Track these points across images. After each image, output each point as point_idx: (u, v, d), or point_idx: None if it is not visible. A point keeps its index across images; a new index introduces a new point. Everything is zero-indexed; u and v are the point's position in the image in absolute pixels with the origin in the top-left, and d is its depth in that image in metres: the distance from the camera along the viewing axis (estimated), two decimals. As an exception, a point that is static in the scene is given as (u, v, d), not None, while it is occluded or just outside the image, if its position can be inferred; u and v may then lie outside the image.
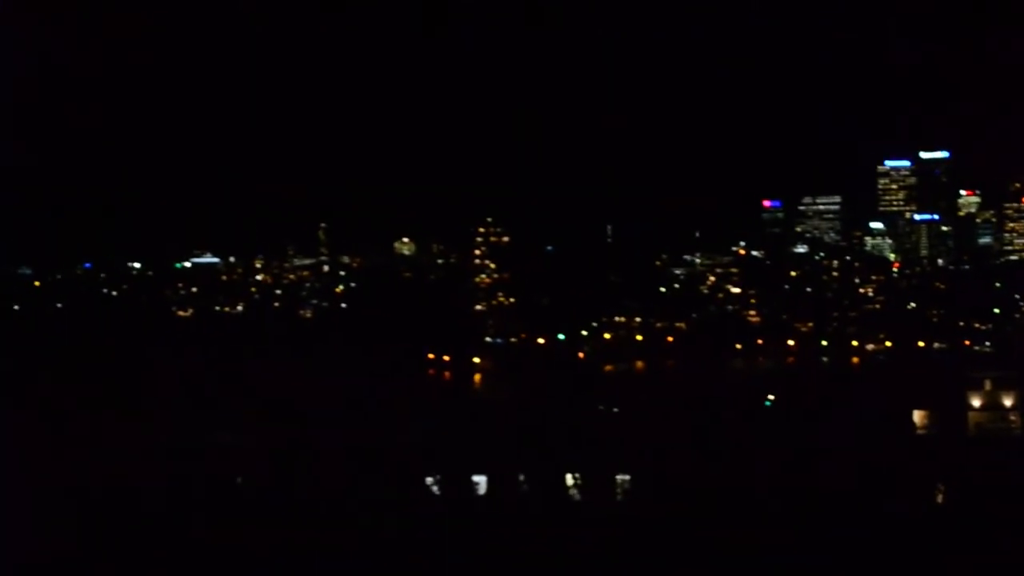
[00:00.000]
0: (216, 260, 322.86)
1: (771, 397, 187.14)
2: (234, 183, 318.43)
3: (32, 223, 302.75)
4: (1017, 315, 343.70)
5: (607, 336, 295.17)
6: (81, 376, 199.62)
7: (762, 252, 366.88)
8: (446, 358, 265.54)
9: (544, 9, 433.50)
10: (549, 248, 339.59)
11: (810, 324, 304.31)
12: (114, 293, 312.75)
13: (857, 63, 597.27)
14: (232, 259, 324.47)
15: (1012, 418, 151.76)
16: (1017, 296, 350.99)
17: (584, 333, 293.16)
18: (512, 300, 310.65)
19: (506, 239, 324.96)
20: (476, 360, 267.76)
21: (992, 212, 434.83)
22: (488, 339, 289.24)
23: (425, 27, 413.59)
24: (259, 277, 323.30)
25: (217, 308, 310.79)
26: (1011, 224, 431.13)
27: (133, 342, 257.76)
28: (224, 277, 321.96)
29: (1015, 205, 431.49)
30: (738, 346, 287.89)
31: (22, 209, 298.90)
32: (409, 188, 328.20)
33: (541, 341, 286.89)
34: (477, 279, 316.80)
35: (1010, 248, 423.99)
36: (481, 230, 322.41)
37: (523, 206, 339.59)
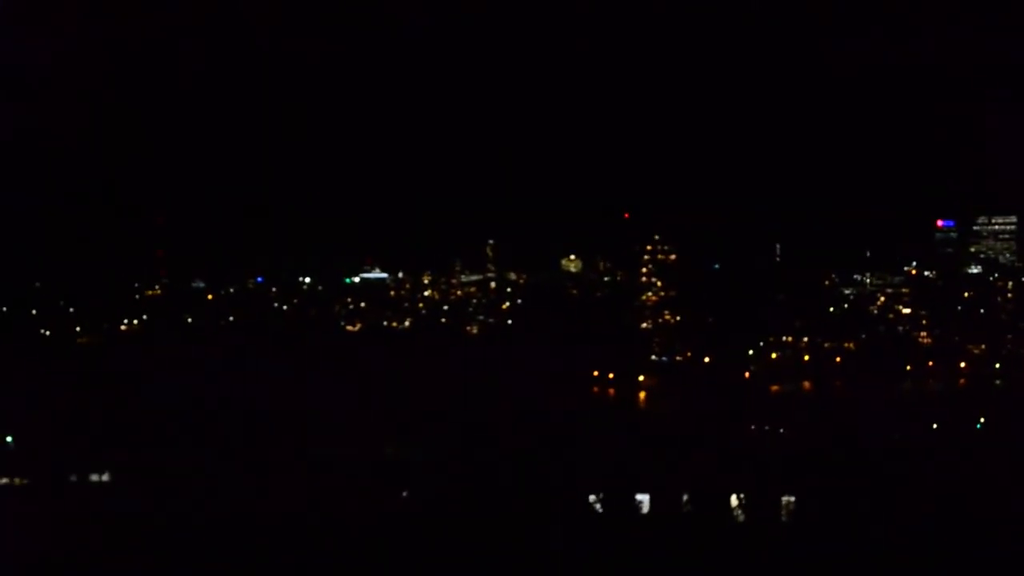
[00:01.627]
0: (385, 276, 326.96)
1: (982, 420, 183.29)
2: (403, 199, 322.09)
3: (205, 236, 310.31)
4: None
5: (774, 356, 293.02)
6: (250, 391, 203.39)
7: (934, 272, 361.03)
8: (611, 376, 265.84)
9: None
10: (716, 266, 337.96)
11: (983, 346, 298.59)
12: (285, 307, 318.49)
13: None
14: (400, 274, 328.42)
15: None
16: None
17: (751, 352, 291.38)
18: (678, 318, 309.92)
19: (673, 257, 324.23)
20: (641, 378, 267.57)
21: None
22: (654, 357, 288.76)
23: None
24: (427, 293, 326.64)
25: (385, 323, 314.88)
26: None
27: (302, 355, 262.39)
28: (392, 292, 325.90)
29: None
30: (908, 367, 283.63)
31: (196, 223, 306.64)
32: (577, 205, 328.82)
33: (707, 360, 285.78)
34: (643, 297, 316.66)
35: None
36: (648, 247, 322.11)
37: (692, 223, 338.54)
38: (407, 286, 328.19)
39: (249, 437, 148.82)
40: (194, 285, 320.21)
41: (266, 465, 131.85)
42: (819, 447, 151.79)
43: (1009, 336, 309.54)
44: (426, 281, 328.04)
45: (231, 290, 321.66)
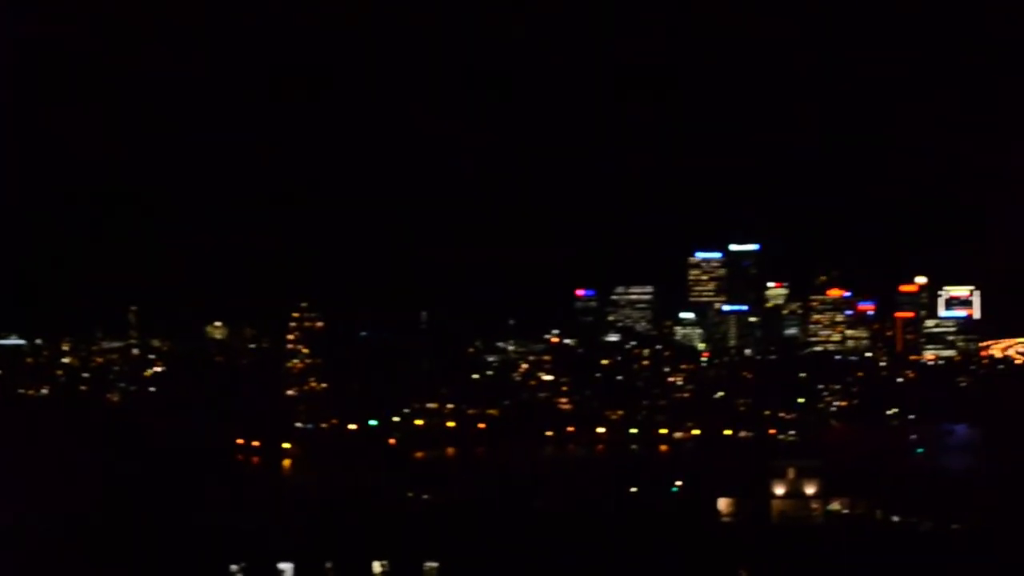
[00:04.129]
0: (22, 342, 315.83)
1: (678, 483, 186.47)
2: (43, 263, 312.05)
3: None
4: (821, 405, 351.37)
5: (418, 422, 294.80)
6: None
7: (575, 340, 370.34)
8: (255, 444, 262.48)
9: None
10: (363, 334, 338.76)
11: (620, 412, 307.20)
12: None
13: (670, 155, 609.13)
14: (38, 341, 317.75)
15: (814, 506, 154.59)
16: (821, 386, 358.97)
17: (396, 419, 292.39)
18: (324, 385, 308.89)
19: (320, 324, 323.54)
20: (286, 446, 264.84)
21: (799, 304, 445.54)
22: (299, 424, 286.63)
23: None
24: (66, 360, 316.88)
25: (21, 391, 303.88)
26: (816, 316, 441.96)
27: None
28: (29, 359, 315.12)
29: (820, 297, 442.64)
30: (549, 433, 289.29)
31: None
32: (223, 271, 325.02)
33: (352, 427, 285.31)
34: (289, 364, 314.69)
35: (815, 339, 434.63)
36: (295, 315, 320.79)
37: (338, 291, 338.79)
38: (45, 353, 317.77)
39: None
40: None
41: None
42: (464, 512, 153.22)
43: (645, 402, 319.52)
44: (65, 348, 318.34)
45: None
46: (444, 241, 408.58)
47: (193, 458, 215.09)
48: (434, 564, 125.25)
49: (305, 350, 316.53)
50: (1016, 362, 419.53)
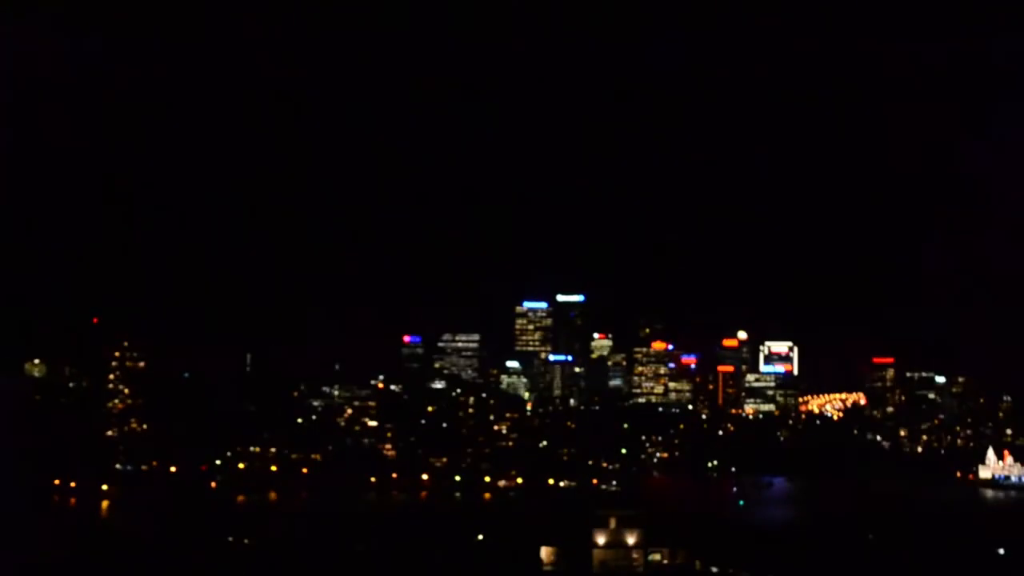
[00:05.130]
0: None
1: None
2: None
3: None
4: (643, 456, 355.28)
5: (241, 466, 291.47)
6: None
7: (400, 386, 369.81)
8: (72, 484, 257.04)
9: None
10: (186, 375, 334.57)
11: (444, 459, 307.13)
12: None
13: (498, 205, 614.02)
14: None
15: (635, 556, 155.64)
16: (644, 438, 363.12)
17: (218, 463, 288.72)
18: (145, 427, 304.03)
19: (142, 364, 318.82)
20: (104, 487, 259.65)
21: (623, 355, 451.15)
22: (119, 466, 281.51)
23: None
24: None
25: None
26: (640, 368, 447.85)
27: None
28: None
29: (644, 349, 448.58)
30: (372, 479, 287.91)
31: None
32: (43, 307, 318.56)
33: (173, 469, 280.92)
34: (110, 404, 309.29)
35: (639, 391, 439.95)
36: (116, 354, 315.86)
37: (161, 330, 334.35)
38: None
39: None
40: None
41: None
42: (286, 558, 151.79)
43: (469, 450, 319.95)
44: None
45: None
46: (271, 284, 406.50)
47: (6, 498, 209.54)
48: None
49: (126, 390, 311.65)
50: (833, 417, 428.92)
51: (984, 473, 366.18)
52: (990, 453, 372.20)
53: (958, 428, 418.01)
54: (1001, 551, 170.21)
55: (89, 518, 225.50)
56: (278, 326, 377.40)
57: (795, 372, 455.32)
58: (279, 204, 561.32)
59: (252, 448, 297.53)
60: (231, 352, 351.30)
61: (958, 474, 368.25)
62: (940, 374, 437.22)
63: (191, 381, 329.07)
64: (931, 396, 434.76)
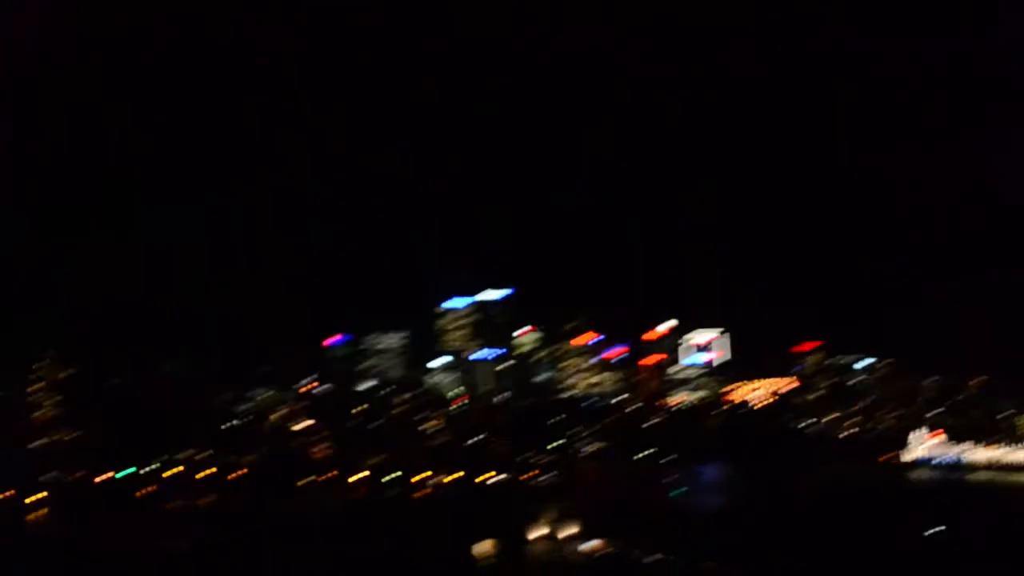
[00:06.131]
0: None
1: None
2: None
3: None
4: (574, 448, 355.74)
5: (170, 472, 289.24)
6: None
7: (328, 387, 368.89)
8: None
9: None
10: (112, 382, 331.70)
11: (375, 459, 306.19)
12: None
13: (421, 203, 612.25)
14: None
15: (570, 548, 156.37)
16: (574, 430, 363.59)
17: (147, 469, 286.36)
18: (72, 435, 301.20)
19: (66, 373, 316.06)
20: (32, 498, 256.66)
21: (550, 350, 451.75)
22: (44, 476, 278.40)
23: None
24: None
25: None
26: (567, 361, 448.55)
27: None
28: None
29: (570, 343, 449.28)
30: (305, 481, 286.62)
31: None
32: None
33: (102, 478, 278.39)
34: (35, 414, 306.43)
35: (566, 384, 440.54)
36: (40, 363, 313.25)
37: (84, 339, 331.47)
38: None
39: None
40: None
41: None
42: (219, 565, 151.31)
43: (402, 448, 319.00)
44: None
45: None
46: (193, 289, 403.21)
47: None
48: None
49: (51, 400, 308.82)
50: (758, 404, 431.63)
51: (910, 455, 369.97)
52: (915, 434, 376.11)
53: (885, 411, 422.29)
54: (928, 532, 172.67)
55: (16, 528, 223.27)
56: (202, 331, 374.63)
57: (725, 359, 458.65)
58: (202, 206, 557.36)
59: (181, 454, 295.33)
60: (157, 358, 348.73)
61: (885, 456, 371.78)
62: (867, 357, 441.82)
63: (117, 389, 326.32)
64: (857, 380, 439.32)
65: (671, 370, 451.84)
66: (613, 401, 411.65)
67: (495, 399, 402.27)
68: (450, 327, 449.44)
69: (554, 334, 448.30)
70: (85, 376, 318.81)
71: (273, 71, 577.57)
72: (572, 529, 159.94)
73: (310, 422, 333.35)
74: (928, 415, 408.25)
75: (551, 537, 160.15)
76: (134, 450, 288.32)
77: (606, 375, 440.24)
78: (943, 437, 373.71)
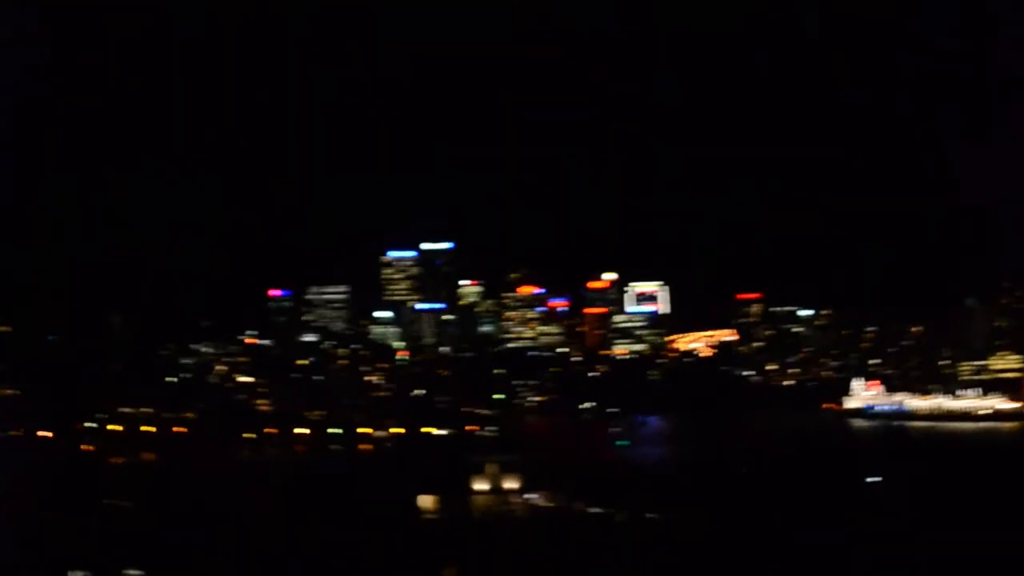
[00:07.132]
0: None
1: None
2: None
3: None
4: (517, 401, 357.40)
5: (114, 428, 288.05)
6: None
7: (271, 341, 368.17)
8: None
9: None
10: (51, 337, 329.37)
11: (319, 412, 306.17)
12: None
13: (363, 155, 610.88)
14: None
15: (515, 500, 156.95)
16: (517, 382, 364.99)
17: (89, 425, 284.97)
18: (10, 392, 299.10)
19: (4, 328, 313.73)
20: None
21: (492, 302, 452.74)
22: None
23: None
24: None
25: None
26: (509, 313, 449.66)
27: None
28: None
29: (513, 295, 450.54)
30: (248, 435, 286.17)
31: None
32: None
33: (45, 434, 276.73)
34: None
35: (510, 336, 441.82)
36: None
37: (21, 293, 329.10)
38: None
39: None
40: None
41: None
42: (168, 517, 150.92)
43: (344, 402, 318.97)
44: None
45: None
46: (134, 240, 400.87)
47: None
48: (136, 572, 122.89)
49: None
50: (701, 355, 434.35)
51: (850, 403, 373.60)
52: (855, 383, 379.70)
53: (824, 360, 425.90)
54: (869, 479, 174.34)
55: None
56: (142, 285, 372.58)
57: (666, 310, 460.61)
58: (144, 162, 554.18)
59: (123, 409, 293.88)
60: (94, 313, 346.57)
61: (825, 405, 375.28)
62: (806, 308, 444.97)
63: (55, 344, 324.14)
64: (797, 330, 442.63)
65: (615, 319, 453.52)
66: (556, 352, 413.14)
67: (439, 351, 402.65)
68: (392, 279, 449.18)
69: (496, 287, 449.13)
70: (23, 331, 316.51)
71: (215, 22, 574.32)
72: (515, 482, 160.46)
73: (252, 378, 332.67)
74: (868, 364, 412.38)
75: (494, 490, 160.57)
76: (75, 406, 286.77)
77: (548, 327, 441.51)
78: (881, 387, 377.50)
